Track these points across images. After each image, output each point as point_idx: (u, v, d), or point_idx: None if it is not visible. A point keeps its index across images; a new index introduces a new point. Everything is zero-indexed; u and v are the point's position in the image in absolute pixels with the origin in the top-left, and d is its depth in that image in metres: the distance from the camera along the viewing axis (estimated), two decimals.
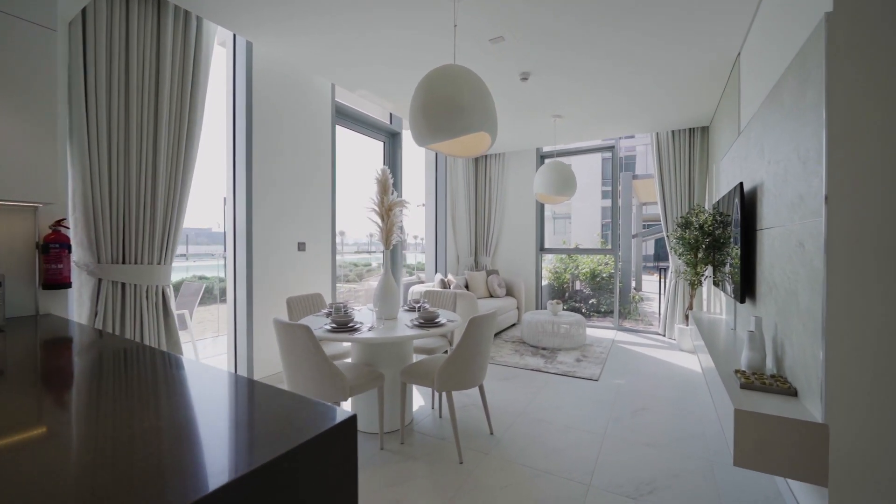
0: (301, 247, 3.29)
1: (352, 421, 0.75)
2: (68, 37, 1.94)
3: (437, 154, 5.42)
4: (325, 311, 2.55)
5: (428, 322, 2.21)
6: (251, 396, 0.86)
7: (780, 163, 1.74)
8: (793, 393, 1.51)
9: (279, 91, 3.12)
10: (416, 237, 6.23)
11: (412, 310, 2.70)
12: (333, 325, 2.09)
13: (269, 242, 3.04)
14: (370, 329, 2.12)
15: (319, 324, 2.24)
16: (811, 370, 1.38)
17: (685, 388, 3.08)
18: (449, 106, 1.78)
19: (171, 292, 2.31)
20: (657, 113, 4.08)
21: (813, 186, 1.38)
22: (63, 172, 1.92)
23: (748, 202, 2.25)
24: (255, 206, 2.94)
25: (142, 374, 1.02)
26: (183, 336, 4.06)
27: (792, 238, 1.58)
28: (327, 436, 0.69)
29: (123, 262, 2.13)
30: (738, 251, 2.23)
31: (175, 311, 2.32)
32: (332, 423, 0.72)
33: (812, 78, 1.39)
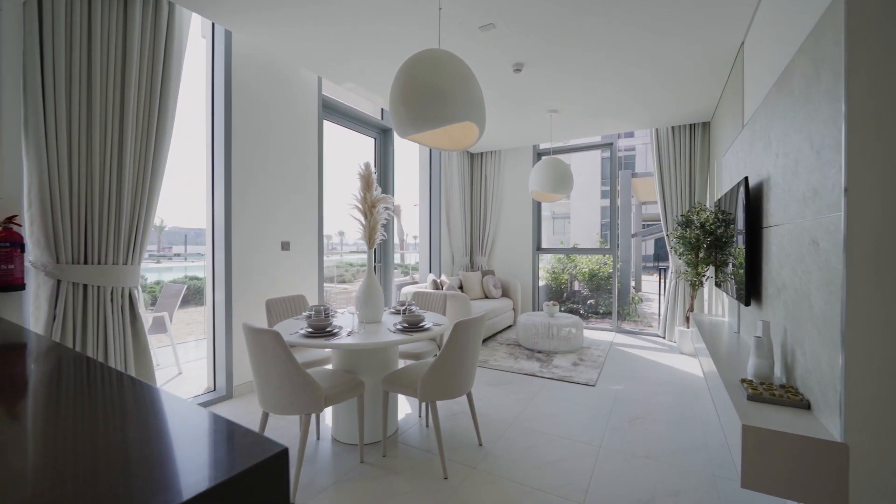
0: (285, 246, 3.15)
1: (281, 458, 0.61)
2: (23, 18, 1.80)
3: (430, 151, 5.29)
4: (306, 313, 2.41)
5: (412, 326, 2.07)
6: (168, 423, 0.72)
7: (790, 154, 1.60)
8: (805, 406, 1.37)
9: (262, 83, 2.98)
10: (415, 237, 6.10)
11: (397, 312, 2.56)
12: (309, 330, 1.95)
13: (250, 241, 2.90)
14: (349, 334, 1.98)
15: (296, 328, 2.10)
16: (827, 381, 1.24)
17: (686, 394, 2.94)
18: (430, 93, 1.64)
19: (138, 294, 2.17)
20: (656, 108, 3.94)
21: (829, 178, 1.24)
22: (15, 165, 1.78)
23: (753, 198, 2.11)
24: (235, 204, 2.80)
25: (40, 391, 0.88)
26: (163, 339, 3.93)
27: (804, 235, 1.44)
28: (245, 477, 0.55)
29: (85, 263, 1.99)
30: (743, 250, 2.10)
31: (143, 315, 2.18)
32: (254, 461, 0.58)
33: (828, 56, 1.25)
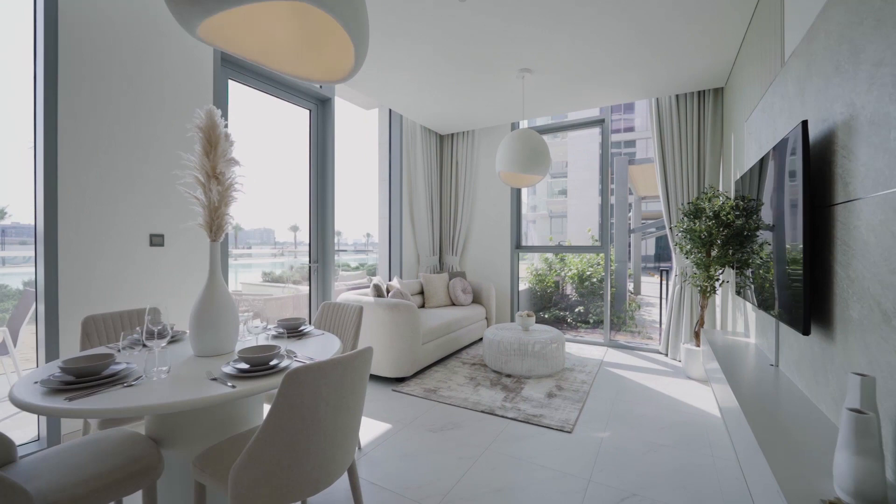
0: (156, 241, 2.35)
1: None
2: None
3: (389, 130, 4.48)
4: (132, 337, 1.58)
5: (254, 367, 1.25)
6: None
7: None
8: None
9: (112, 20, 2.18)
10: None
11: (280, 336, 1.76)
12: (63, 378, 1.14)
13: (91, 235, 2.09)
14: (137, 380, 1.17)
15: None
16: None
17: (698, 446, 2.12)
18: None
19: None
20: (656, 69, 3.12)
21: None
22: None
23: (814, 159, 1.30)
24: (66, 184, 2.00)
25: None
26: (4, 363, 3.05)
27: None
28: None
29: None
30: (801, 241, 1.28)
31: None
32: None
33: None
